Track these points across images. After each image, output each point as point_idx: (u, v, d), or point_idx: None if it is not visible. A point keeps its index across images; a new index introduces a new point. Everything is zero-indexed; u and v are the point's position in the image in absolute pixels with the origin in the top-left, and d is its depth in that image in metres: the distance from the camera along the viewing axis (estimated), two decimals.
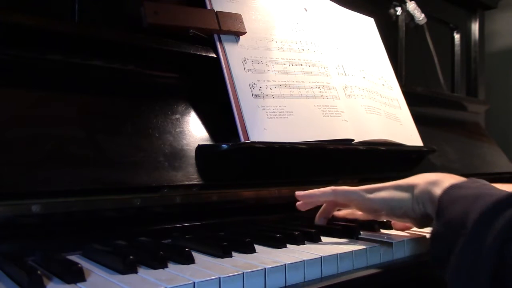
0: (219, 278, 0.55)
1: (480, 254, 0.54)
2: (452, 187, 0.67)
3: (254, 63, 0.97)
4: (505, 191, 0.62)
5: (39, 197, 0.67)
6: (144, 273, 0.57)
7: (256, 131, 0.89)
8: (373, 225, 0.87)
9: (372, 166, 1.14)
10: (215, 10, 0.96)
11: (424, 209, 0.74)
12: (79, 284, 0.53)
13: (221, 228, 0.86)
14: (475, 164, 1.53)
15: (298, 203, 0.85)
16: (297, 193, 0.85)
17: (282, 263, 0.61)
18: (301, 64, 1.04)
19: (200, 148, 0.86)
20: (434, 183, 0.72)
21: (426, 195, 0.73)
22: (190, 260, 0.62)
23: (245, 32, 0.98)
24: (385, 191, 0.79)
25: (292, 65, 1.03)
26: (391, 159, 1.19)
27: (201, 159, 0.85)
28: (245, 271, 0.57)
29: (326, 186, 0.84)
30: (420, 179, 0.76)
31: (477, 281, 0.54)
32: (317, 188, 0.85)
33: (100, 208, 0.73)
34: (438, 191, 0.69)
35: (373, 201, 0.79)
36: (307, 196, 0.85)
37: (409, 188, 0.76)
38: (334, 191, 0.83)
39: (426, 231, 0.83)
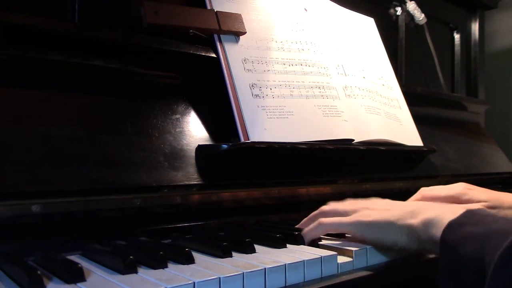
0: (219, 278, 0.55)
1: None
2: (453, 226, 0.65)
3: (254, 63, 0.97)
4: (508, 221, 0.62)
5: (39, 197, 0.67)
6: (144, 273, 0.57)
7: (256, 131, 0.89)
8: None
9: (372, 166, 1.14)
10: (215, 10, 0.96)
11: (420, 248, 0.72)
12: (79, 284, 0.53)
13: (221, 228, 0.86)
14: (475, 164, 1.53)
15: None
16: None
17: (282, 263, 0.61)
18: (301, 64, 1.04)
19: (200, 148, 0.86)
20: (431, 222, 0.68)
21: (423, 236, 0.70)
22: (190, 260, 0.62)
23: (245, 32, 0.98)
24: (378, 229, 0.74)
25: (292, 65, 1.03)
26: (391, 159, 1.19)
27: (201, 159, 0.85)
28: (245, 271, 0.57)
29: (326, 186, 0.84)
30: (414, 217, 0.72)
31: None
32: (316, 189, 0.84)
33: (100, 208, 0.73)
34: (438, 231, 0.66)
35: (365, 238, 0.76)
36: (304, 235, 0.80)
37: (404, 228, 0.72)
38: (323, 227, 0.78)
39: None
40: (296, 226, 0.84)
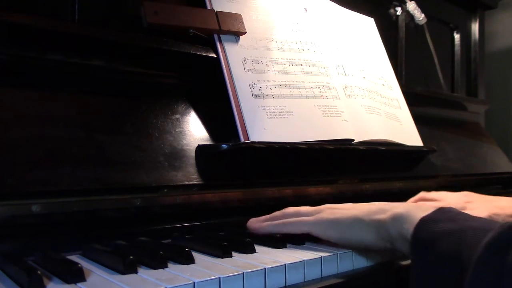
0: (219, 278, 0.55)
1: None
2: (425, 222, 0.62)
3: (254, 63, 0.97)
4: (483, 219, 0.61)
5: (39, 197, 0.67)
6: (144, 273, 0.57)
7: (256, 131, 0.89)
8: None
9: (372, 166, 1.14)
10: (215, 10, 0.96)
11: (391, 245, 0.69)
12: (79, 284, 0.53)
13: (221, 228, 0.86)
14: (475, 164, 1.53)
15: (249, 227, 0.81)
16: (250, 224, 0.80)
17: (282, 263, 0.61)
18: (301, 64, 1.04)
19: (200, 148, 0.86)
20: (401, 218, 0.66)
21: (393, 232, 0.67)
22: (190, 260, 0.62)
23: (245, 32, 0.98)
24: (343, 226, 0.71)
25: (292, 65, 1.03)
26: (391, 159, 1.19)
27: (201, 159, 0.85)
28: (245, 271, 0.57)
29: (326, 186, 0.84)
30: (383, 213, 0.69)
31: None
32: (316, 189, 0.84)
33: (100, 208, 0.73)
34: (409, 227, 0.63)
35: (328, 236, 0.72)
36: (258, 230, 0.79)
37: (371, 225, 0.69)
38: (285, 226, 0.76)
39: None
40: (250, 220, 0.81)
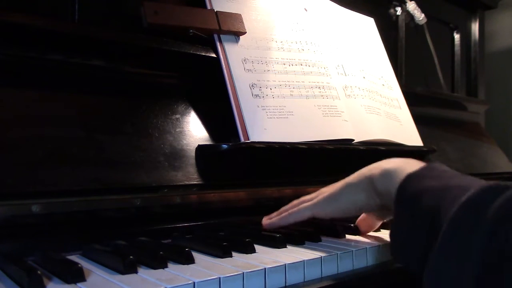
0: (219, 278, 0.55)
1: (466, 249, 0.50)
2: (411, 177, 0.63)
3: (254, 63, 0.97)
4: (468, 178, 0.60)
5: (39, 197, 0.67)
6: (144, 273, 0.57)
7: (256, 131, 0.89)
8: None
9: None
10: (215, 10, 0.96)
11: (380, 202, 0.70)
12: (79, 284, 0.53)
13: (221, 228, 0.86)
14: (475, 164, 1.53)
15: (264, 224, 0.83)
16: (263, 222, 0.83)
17: (282, 263, 0.61)
18: (301, 64, 1.04)
19: (200, 148, 0.86)
20: (389, 173, 0.67)
21: (381, 188, 0.68)
22: (190, 260, 0.62)
23: (245, 32, 0.98)
24: (339, 195, 0.74)
25: (292, 65, 1.03)
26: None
27: (201, 159, 0.85)
28: (245, 271, 0.57)
29: (326, 186, 0.84)
30: (373, 170, 0.71)
31: (461, 273, 0.50)
32: (317, 188, 0.84)
33: (100, 208, 0.73)
34: (395, 182, 0.64)
35: (329, 211, 0.76)
36: (269, 225, 0.82)
37: (362, 184, 0.71)
38: (290, 215, 0.79)
39: None
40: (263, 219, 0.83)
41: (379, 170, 0.69)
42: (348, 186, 0.74)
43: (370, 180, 0.70)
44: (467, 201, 0.53)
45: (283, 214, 0.80)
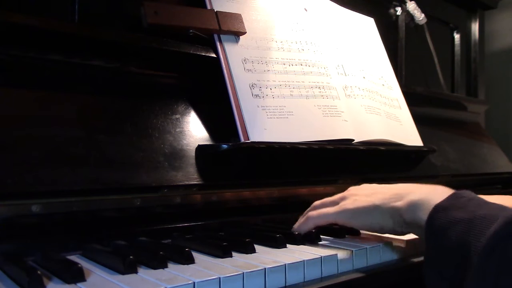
0: (219, 278, 0.55)
1: (497, 279, 0.53)
2: (438, 210, 0.64)
3: (254, 63, 0.97)
4: (492, 205, 0.62)
5: (39, 197, 0.67)
6: (144, 273, 0.57)
7: (256, 131, 0.89)
8: None
9: (372, 166, 1.14)
10: (215, 10, 0.96)
11: (405, 231, 0.73)
12: (79, 284, 0.53)
13: (221, 228, 0.86)
14: (475, 164, 1.53)
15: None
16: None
17: (282, 263, 0.61)
18: (301, 64, 1.04)
19: (200, 148, 0.86)
20: (417, 205, 0.68)
21: (408, 219, 0.70)
22: (190, 260, 0.62)
23: (245, 32, 0.98)
24: (364, 214, 0.75)
25: (292, 65, 1.03)
26: (391, 159, 1.19)
27: (201, 159, 0.85)
28: (245, 271, 0.57)
29: (326, 186, 0.84)
30: (400, 200, 0.72)
31: None
32: (318, 188, 0.85)
33: (100, 208, 0.73)
34: (423, 215, 0.66)
35: (351, 224, 0.77)
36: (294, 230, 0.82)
37: (389, 212, 0.73)
38: (311, 219, 0.80)
39: None
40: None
41: (406, 201, 0.71)
42: (377, 210, 0.74)
43: (396, 211, 0.72)
44: (494, 236, 0.55)
45: (305, 219, 0.81)
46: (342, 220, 0.78)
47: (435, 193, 0.68)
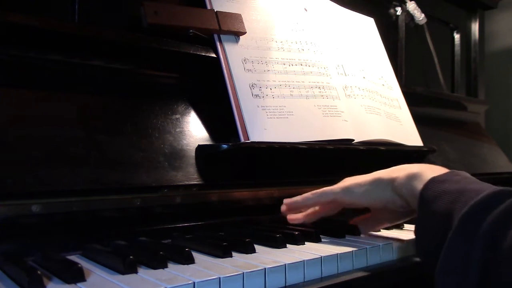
0: (219, 278, 0.55)
1: (470, 247, 0.56)
2: (434, 181, 0.67)
3: (254, 63, 0.97)
4: (485, 184, 0.64)
5: (39, 197, 0.67)
6: (144, 273, 0.57)
7: (256, 131, 0.89)
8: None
9: (372, 166, 1.13)
10: (215, 10, 0.96)
11: (404, 203, 0.75)
12: (79, 284, 0.53)
13: (221, 228, 0.86)
14: (475, 164, 1.53)
15: (282, 208, 0.86)
16: (284, 201, 0.86)
17: (282, 263, 0.61)
18: (301, 64, 1.04)
19: (200, 148, 0.86)
20: (415, 176, 0.71)
21: (407, 189, 0.72)
22: (190, 260, 0.62)
23: (245, 32, 0.98)
24: (364, 186, 0.78)
25: (292, 65, 1.03)
26: (391, 159, 1.19)
27: (201, 159, 0.85)
28: (245, 271, 0.57)
29: (326, 186, 0.84)
30: (400, 172, 0.75)
31: (466, 271, 0.56)
32: (318, 188, 0.85)
33: (100, 208, 0.73)
34: (419, 185, 0.69)
35: (352, 198, 0.79)
36: (291, 203, 0.85)
37: (388, 182, 0.76)
38: (313, 195, 0.83)
39: None
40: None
41: (406, 173, 0.73)
42: (378, 180, 0.77)
43: (397, 181, 0.74)
44: (475, 204, 0.58)
45: (306, 195, 0.83)
46: (343, 195, 0.79)
47: (433, 169, 0.71)
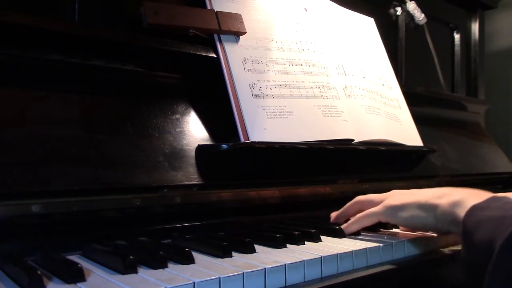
0: (219, 278, 0.55)
1: (510, 275, 0.55)
2: (475, 209, 0.67)
3: (254, 63, 0.97)
4: None
5: (39, 197, 0.67)
6: (144, 273, 0.57)
7: (256, 131, 0.89)
8: (374, 226, 0.87)
9: (372, 166, 1.14)
10: (215, 10, 0.96)
11: (447, 229, 0.75)
12: (79, 284, 0.53)
13: (221, 228, 0.86)
14: (475, 164, 1.53)
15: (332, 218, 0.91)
16: (332, 214, 0.90)
17: (282, 263, 0.61)
18: (301, 64, 1.04)
19: (200, 148, 0.86)
20: (457, 204, 0.72)
21: (449, 217, 0.73)
22: (190, 260, 0.62)
23: (245, 32, 0.98)
24: (408, 211, 0.79)
25: (292, 65, 1.03)
26: (391, 159, 1.19)
27: (201, 159, 0.85)
28: (245, 271, 0.57)
29: (326, 186, 0.85)
30: (442, 199, 0.75)
31: None
32: (318, 188, 0.85)
33: (100, 208, 0.73)
34: (461, 212, 0.69)
35: (396, 221, 0.81)
36: (339, 217, 0.89)
37: (432, 209, 0.76)
38: (359, 218, 0.84)
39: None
40: (332, 215, 0.91)
41: (448, 200, 0.74)
42: (421, 206, 0.78)
43: (439, 209, 0.75)
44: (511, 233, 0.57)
45: (353, 221, 0.84)
46: (386, 217, 0.81)
47: (475, 195, 0.72)
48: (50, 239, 0.69)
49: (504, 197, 0.69)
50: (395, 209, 0.80)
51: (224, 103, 0.90)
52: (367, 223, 0.83)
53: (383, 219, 0.81)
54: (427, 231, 0.80)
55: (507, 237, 0.57)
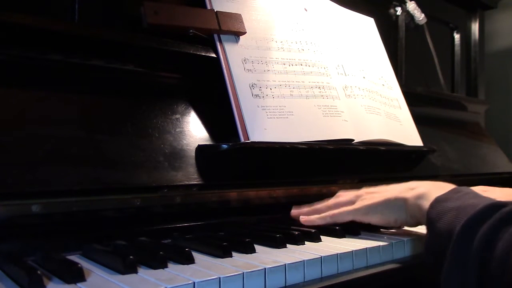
0: (219, 278, 0.55)
1: (467, 254, 0.59)
2: (438, 201, 0.71)
3: (254, 63, 0.97)
4: (483, 198, 0.67)
5: (39, 197, 0.67)
6: (144, 273, 0.57)
7: (256, 131, 0.89)
8: (374, 226, 0.87)
9: (372, 166, 1.14)
10: (215, 10, 0.96)
11: (417, 221, 0.80)
12: (79, 284, 0.53)
13: (221, 228, 0.86)
14: (475, 164, 1.53)
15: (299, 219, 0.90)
16: (301, 218, 0.89)
17: (282, 263, 0.61)
18: (301, 64, 1.04)
19: (200, 148, 0.86)
20: (422, 197, 0.76)
21: (416, 210, 0.76)
22: (190, 260, 0.62)
23: (245, 32, 0.98)
24: (379, 210, 0.82)
25: (292, 65, 1.03)
26: (391, 159, 1.19)
27: (201, 159, 0.85)
28: (245, 271, 0.57)
29: (325, 186, 0.85)
30: (410, 192, 0.79)
31: (465, 279, 0.59)
32: (318, 188, 0.86)
33: (100, 208, 0.73)
34: (426, 205, 0.73)
35: (369, 220, 0.83)
36: (307, 222, 0.88)
37: (401, 204, 0.80)
38: (332, 218, 0.86)
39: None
40: (293, 211, 0.91)
41: (414, 193, 0.78)
42: (390, 203, 0.81)
43: (406, 203, 0.79)
44: (471, 218, 0.62)
45: (323, 215, 0.86)
46: (358, 217, 0.84)
47: (439, 187, 0.75)
48: (50, 239, 0.69)
49: (465, 188, 0.73)
50: (366, 209, 0.83)
51: (224, 103, 0.90)
52: (339, 221, 0.85)
53: (357, 219, 0.84)
54: (401, 226, 0.83)
55: (462, 225, 0.61)
